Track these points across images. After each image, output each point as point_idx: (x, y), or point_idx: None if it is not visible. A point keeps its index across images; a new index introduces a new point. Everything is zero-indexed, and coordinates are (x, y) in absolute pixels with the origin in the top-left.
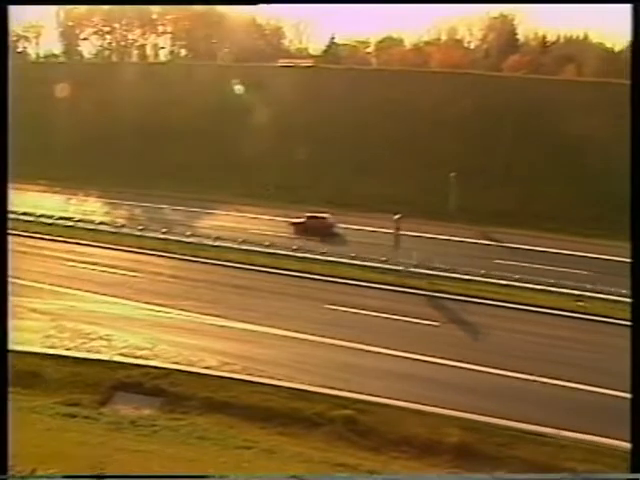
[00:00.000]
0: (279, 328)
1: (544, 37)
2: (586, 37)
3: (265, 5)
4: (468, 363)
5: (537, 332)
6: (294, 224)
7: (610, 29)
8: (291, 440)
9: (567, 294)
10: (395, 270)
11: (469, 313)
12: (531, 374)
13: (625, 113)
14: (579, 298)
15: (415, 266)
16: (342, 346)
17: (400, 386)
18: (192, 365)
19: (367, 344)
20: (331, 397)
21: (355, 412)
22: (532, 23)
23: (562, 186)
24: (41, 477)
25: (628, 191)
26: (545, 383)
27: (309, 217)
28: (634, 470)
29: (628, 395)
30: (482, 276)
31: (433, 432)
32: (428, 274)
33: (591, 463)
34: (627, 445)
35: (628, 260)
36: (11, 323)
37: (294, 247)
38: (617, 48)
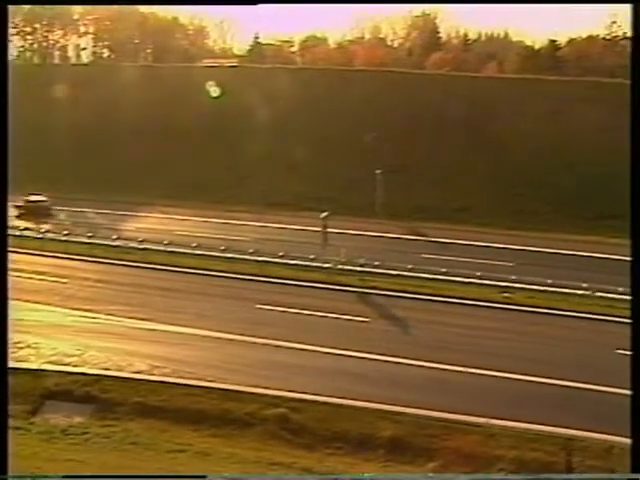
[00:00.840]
0: (208, 329)
1: (466, 35)
2: (506, 35)
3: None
4: (399, 357)
5: (465, 324)
6: (16, 207)
7: (529, 27)
8: (225, 441)
9: (493, 286)
10: (325, 268)
11: (399, 308)
12: (462, 365)
13: (546, 108)
14: (505, 289)
15: (344, 263)
16: (272, 345)
17: (332, 383)
18: (122, 370)
19: (298, 342)
20: (263, 396)
21: (287, 410)
22: (454, 21)
23: (487, 181)
24: (41, 477)
25: (552, 184)
26: (474, 374)
27: (28, 201)
28: (634, 470)
29: (557, 382)
30: (410, 271)
31: (366, 427)
32: (358, 271)
33: (520, 450)
34: (556, 429)
35: (550, 250)
36: None
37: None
38: (537, 46)
